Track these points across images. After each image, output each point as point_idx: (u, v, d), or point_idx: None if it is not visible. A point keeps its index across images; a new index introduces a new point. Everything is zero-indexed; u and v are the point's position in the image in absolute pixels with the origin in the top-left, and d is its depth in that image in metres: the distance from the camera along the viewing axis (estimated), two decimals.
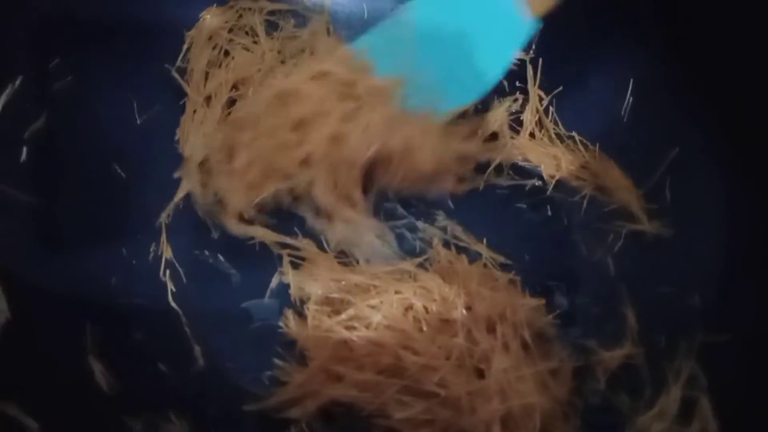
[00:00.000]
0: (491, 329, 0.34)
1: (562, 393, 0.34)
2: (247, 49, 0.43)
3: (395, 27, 0.38)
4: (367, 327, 0.32)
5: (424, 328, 0.32)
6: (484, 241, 0.40)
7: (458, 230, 0.40)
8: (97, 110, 0.40)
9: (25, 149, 0.35)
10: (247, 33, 0.43)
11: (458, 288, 0.34)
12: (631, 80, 0.42)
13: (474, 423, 0.29)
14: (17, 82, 0.35)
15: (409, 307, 0.33)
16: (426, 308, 0.33)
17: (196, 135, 0.40)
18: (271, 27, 0.44)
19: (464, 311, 0.33)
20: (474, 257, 0.39)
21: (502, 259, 0.39)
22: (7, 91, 0.35)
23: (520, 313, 0.35)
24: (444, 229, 0.40)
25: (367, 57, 0.37)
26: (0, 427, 0.27)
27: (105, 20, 0.40)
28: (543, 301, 0.37)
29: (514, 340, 0.34)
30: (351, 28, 0.47)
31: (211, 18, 0.43)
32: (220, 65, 0.42)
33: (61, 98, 0.38)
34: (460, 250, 0.40)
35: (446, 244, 0.40)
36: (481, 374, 0.31)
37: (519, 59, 0.46)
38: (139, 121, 0.40)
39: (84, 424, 0.30)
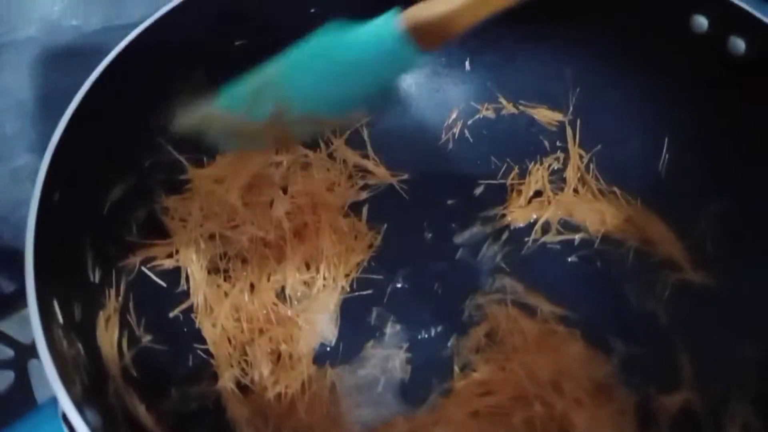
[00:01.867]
0: (557, 388, 0.37)
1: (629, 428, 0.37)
2: None
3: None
4: None
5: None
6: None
7: (519, 288, 0.44)
8: None
9: None
10: None
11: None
12: (666, 138, 0.45)
13: None
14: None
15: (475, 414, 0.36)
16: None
17: None
18: None
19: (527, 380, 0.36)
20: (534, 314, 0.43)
21: (561, 312, 0.43)
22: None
23: (577, 366, 0.39)
24: (503, 289, 0.44)
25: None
26: None
27: None
28: (602, 353, 0.41)
29: (582, 393, 0.37)
30: None
31: None
32: None
33: None
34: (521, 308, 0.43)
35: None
36: None
37: (558, 120, 0.50)
38: None
39: None
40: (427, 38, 0.31)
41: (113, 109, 0.37)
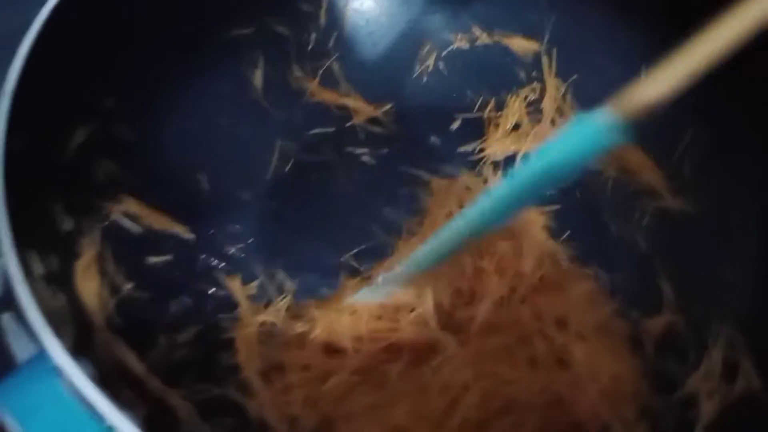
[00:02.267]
0: (561, 325, 0.37)
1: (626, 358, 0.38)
2: None
3: None
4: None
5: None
6: None
7: None
8: None
9: None
10: None
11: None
12: (643, 65, 0.45)
13: (580, 409, 0.33)
14: None
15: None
16: None
17: None
18: None
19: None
20: None
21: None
22: None
23: (581, 307, 0.39)
24: None
25: None
26: None
27: None
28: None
29: (585, 327, 0.38)
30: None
31: None
32: None
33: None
34: None
35: None
36: (564, 364, 0.35)
37: (533, 50, 0.49)
38: None
39: None
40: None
41: (69, 47, 0.34)
